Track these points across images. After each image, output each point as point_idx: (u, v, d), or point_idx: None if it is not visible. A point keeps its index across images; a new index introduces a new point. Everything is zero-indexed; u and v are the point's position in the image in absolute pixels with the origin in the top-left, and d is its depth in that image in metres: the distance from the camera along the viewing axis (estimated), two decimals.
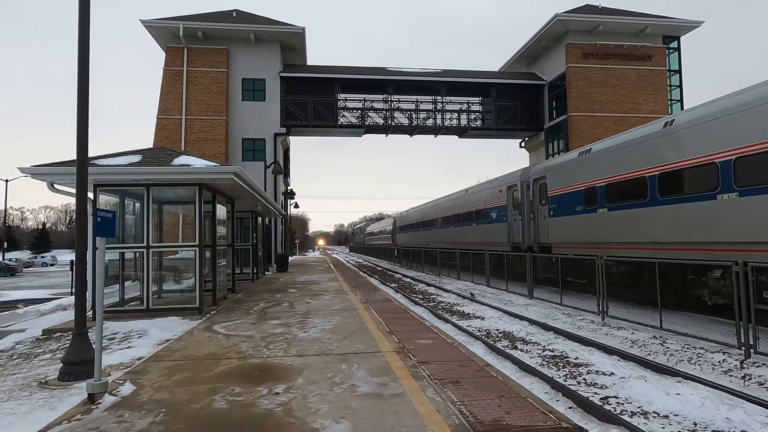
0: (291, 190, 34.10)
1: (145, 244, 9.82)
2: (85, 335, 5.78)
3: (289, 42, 28.33)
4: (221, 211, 12.45)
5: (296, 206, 39.60)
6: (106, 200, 10.33)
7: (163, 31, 26.62)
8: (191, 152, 18.86)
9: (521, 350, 8.17)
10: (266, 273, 23.31)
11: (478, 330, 10.00)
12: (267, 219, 24.91)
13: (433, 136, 31.44)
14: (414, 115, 29.64)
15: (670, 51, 28.66)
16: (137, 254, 10.65)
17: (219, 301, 11.74)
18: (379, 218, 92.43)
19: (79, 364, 5.59)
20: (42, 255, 68.86)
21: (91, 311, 8.30)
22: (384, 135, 30.93)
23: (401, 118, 29.65)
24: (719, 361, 7.03)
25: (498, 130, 30.33)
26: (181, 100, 26.66)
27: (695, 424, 4.83)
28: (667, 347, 8.00)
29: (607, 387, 6.05)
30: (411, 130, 30.02)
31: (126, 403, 4.62)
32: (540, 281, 15.50)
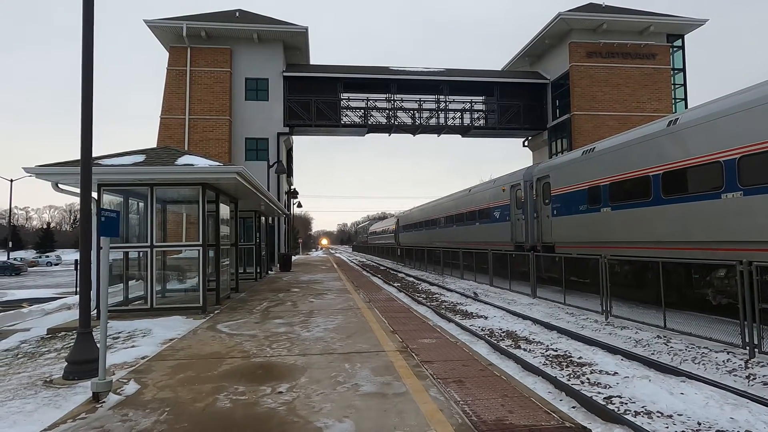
0: (294, 189, 34.12)
1: (148, 244, 9.86)
2: (89, 334, 5.81)
3: (292, 41, 28.36)
4: (224, 210, 12.47)
5: (299, 206, 39.68)
6: (110, 200, 10.37)
7: (166, 31, 26.68)
8: (195, 152, 18.91)
9: (524, 350, 8.16)
10: (269, 272, 23.35)
11: (482, 329, 9.99)
12: (270, 218, 24.95)
13: (436, 135, 31.43)
14: (417, 115, 29.64)
15: (674, 49, 28.54)
16: (141, 254, 10.69)
17: (222, 300, 11.78)
18: (382, 218, 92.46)
19: (83, 363, 5.62)
20: (46, 254, 69.20)
21: (96, 310, 8.33)
22: (387, 134, 30.95)
23: (404, 118, 29.66)
24: (723, 361, 7.00)
25: (501, 129, 30.30)
26: (184, 100, 26.73)
27: (699, 423, 4.81)
28: (671, 347, 7.97)
29: (610, 386, 6.03)
30: (414, 129, 30.01)
31: (130, 402, 4.64)
32: (543, 281, 15.47)
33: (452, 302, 14.38)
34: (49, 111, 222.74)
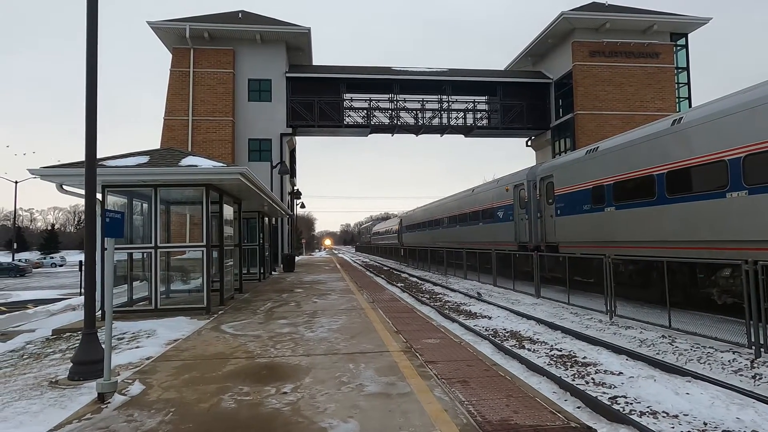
0: (297, 190, 34.19)
1: (153, 245, 9.88)
2: (94, 335, 5.83)
3: (294, 42, 28.39)
4: (228, 211, 12.50)
5: (302, 206, 39.80)
6: (114, 201, 10.40)
7: (169, 32, 26.76)
8: (198, 153, 18.94)
9: (529, 350, 8.14)
10: (273, 273, 23.39)
11: (486, 329, 9.97)
12: (274, 219, 24.99)
13: (439, 135, 31.41)
14: (420, 115, 29.62)
15: (678, 48, 28.43)
16: (145, 255, 10.72)
17: (226, 301, 11.80)
18: (385, 218, 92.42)
19: (88, 363, 5.64)
20: (51, 256, 69.39)
21: (100, 311, 8.36)
22: (390, 134, 30.94)
23: (407, 118, 29.65)
24: (729, 361, 6.97)
25: (504, 129, 30.26)
26: (187, 101, 26.79)
27: (705, 424, 4.79)
28: (676, 346, 7.94)
29: (615, 386, 6.01)
30: (417, 129, 30.00)
31: (135, 402, 4.65)
32: (547, 280, 15.44)
33: (456, 302, 14.37)
34: (50, 112, 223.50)
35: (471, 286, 18.45)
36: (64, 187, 9.43)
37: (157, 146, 24.58)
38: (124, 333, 8.29)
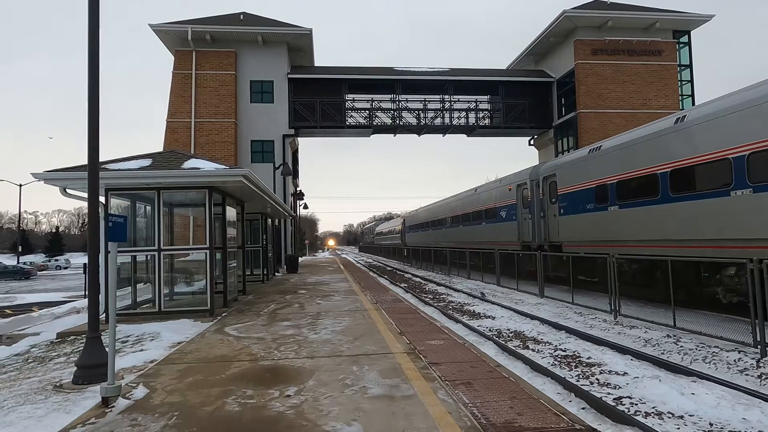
0: (300, 191, 34.21)
1: (156, 247, 9.90)
2: (98, 338, 5.84)
3: (296, 43, 28.40)
4: (231, 213, 12.52)
5: (305, 207, 39.75)
6: (117, 204, 10.43)
7: (171, 35, 26.81)
8: (201, 155, 18.97)
9: (533, 350, 8.12)
10: (276, 274, 23.41)
11: (489, 330, 9.95)
12: (276, 220, 25.01)
13: (441, 135, 31.35)
14: (422, 115, 29.57)
15: (681, 46, 28.30)
16: (149, 257, 10.74)
17: (230, 302, 11.81)
18: (388, 218, 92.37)
19: (92, 367, 5.65)
20: (56, 258, 69.62)
21: (104, 314, 8.38)
22: (392, 135, 30.90)
23: (409, 118, 29.61)
24: (734, 360, 6.93)
25: (506, 128, 30.18)
26: (190, 103, 26.84)
27: (711, 424, 4.77)
28: (681, 346, 7.90)
29: (620, 387, 5.99)
30: (419, 129, 29.96)
31: (139, 406, 4.66)
32: (551, 280, 15.40)
33: (459, 303, 14.35)
34: (53, 115, 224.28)
35: (474, 286, 18.43)
36: (68, 190, 9.45)
37: (160, 149, 24.63)
38: (128, 336, 8.30)
